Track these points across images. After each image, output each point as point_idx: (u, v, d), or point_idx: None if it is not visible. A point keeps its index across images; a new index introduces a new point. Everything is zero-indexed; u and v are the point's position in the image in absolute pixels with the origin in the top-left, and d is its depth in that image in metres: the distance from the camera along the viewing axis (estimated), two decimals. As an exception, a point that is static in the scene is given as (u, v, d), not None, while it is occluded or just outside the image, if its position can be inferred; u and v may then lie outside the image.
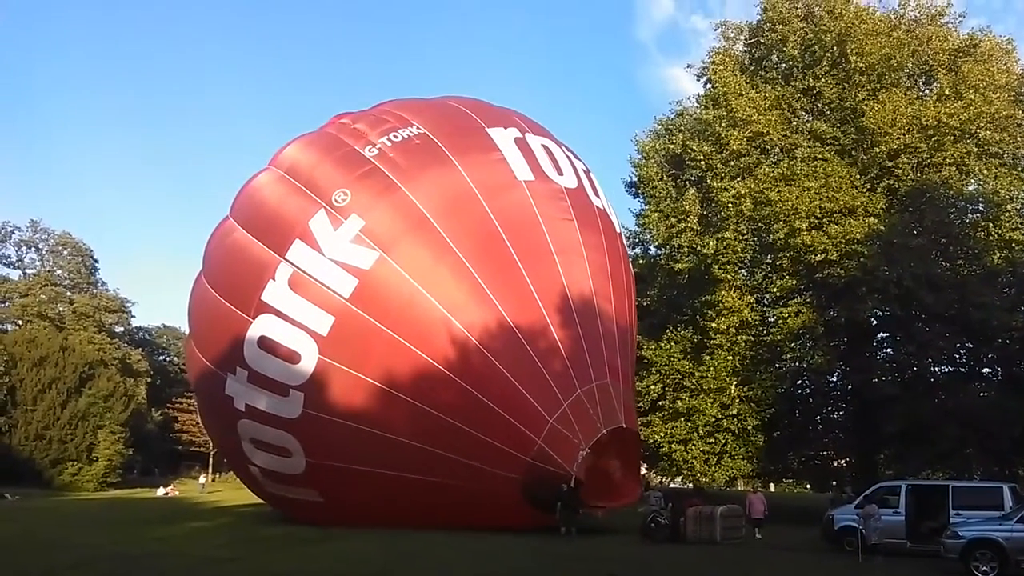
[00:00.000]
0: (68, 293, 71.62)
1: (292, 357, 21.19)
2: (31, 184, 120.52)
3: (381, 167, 22.24)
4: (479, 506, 21.20)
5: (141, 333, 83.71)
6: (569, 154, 26.07)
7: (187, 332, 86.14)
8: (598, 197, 25.85)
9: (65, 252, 72.37)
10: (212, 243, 24.58)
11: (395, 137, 22.99)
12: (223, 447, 27.82)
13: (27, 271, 72.58)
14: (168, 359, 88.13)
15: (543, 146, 25.02)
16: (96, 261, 74.55)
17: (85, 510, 35.20)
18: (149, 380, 74.68)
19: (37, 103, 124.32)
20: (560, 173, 24.50)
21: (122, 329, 76.97)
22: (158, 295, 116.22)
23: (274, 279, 21.45)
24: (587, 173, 26.22)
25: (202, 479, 59.75)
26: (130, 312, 76.61)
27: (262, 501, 27.53)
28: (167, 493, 51.28)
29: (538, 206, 22.98)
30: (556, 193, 23.84)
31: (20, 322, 67.08)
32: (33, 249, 72.65)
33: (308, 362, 21.06)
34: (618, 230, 26.93)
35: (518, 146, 24.12)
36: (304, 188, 22.33)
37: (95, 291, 73.45)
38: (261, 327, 21.52)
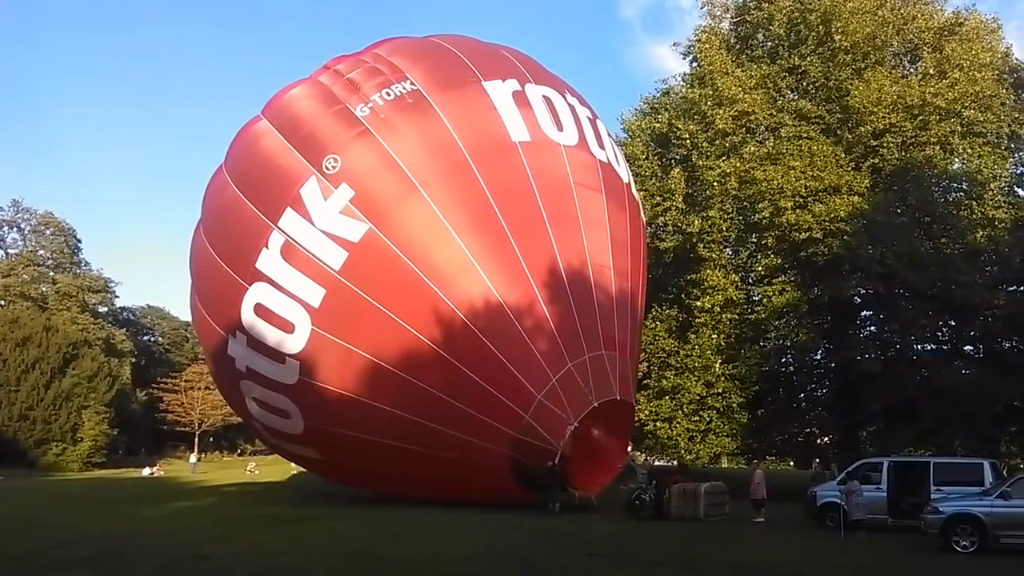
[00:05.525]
0: (51, 273, 71.02)
1: (286, 327, 21.28)
2: (13, 164, 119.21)
3: (372, 130, 21.66)
4: (469, 477, 21.47)
5: (125, 313, 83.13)
6: (573, 102, 24.91)
7: (170, 310, 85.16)
8: (602, 149, 24.82)
9: (48, 232, 71.55)
10: (208, 195, 24.42)
11: (387, 95, 22.23)
12: (230, 402, 28.07)
13: (9, 251, 72.02)
14: (152, 339, 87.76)
15: (544, 97, 23.98)
16: (79, 241, 73.97)
17: (70, 490, 35.05)
18: (133, 360, 74.34)
19: (19, 82, 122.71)
20: (560, 128, 23.59)
21: (106, 309, 76.45)
22: (142, 275, 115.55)
23: (267, 247, 21.36)
24: (592, 121, 25.12)
25: (193, 458, 59.82)
26: (114, 292, 76.36)
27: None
28: (153, 473, 51.16)
29: (532, 171, 22.31)
30: (554, 154, 23.06)
31: (3, 302, 66.51)
32: (15, 229, 71.99)
33: (302, 333, 21.15)
34: (625, 180, 25.90)
35: (515, 101, 23.16)
36: (296, 151, 21.86)
37: (78, 271, 72.88)
38: (256, 294, 21.58)
